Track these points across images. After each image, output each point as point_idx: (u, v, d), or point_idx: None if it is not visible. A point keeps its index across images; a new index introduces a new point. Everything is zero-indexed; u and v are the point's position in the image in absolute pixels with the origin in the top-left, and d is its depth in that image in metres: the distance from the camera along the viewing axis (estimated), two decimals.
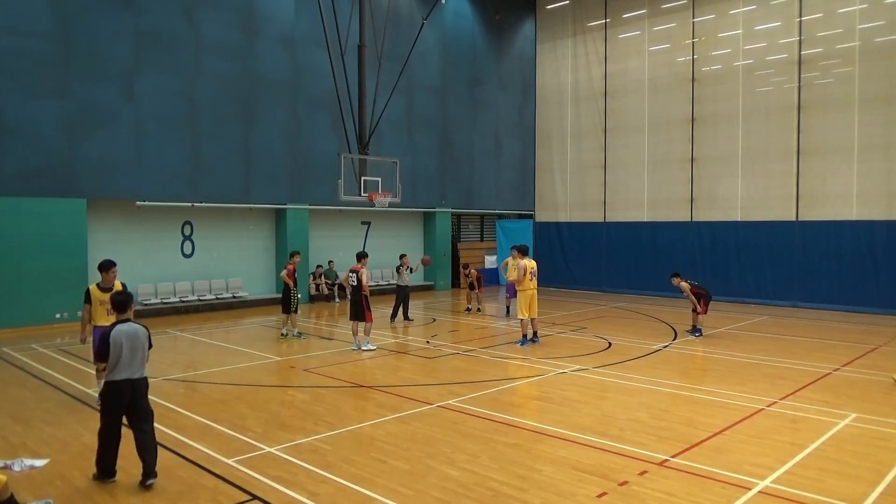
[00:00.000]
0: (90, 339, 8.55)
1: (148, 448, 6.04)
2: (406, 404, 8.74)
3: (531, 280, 13.19)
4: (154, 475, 6.00)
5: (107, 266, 8.65)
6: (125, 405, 6.07)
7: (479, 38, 25.83)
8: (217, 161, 18.22)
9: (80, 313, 9.74)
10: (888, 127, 18.15)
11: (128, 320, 6.33)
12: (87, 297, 8.55)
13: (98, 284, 8.64)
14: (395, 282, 17.21)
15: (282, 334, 14.16)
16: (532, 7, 27.16)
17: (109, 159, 16.24)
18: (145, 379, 6.23)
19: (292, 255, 14.45)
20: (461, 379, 10.30)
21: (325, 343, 13.78)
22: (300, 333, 14.24)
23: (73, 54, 15.58)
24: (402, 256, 16.99)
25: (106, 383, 6.13)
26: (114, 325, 6.22)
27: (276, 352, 12.72)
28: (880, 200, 18.37)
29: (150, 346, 6.38)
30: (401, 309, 16.70)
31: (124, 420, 6.17)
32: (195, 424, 7.90)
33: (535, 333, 13.36)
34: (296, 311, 14.26)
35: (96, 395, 8.33)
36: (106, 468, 6.11)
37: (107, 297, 8.38)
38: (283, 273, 14.07)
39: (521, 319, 13.21)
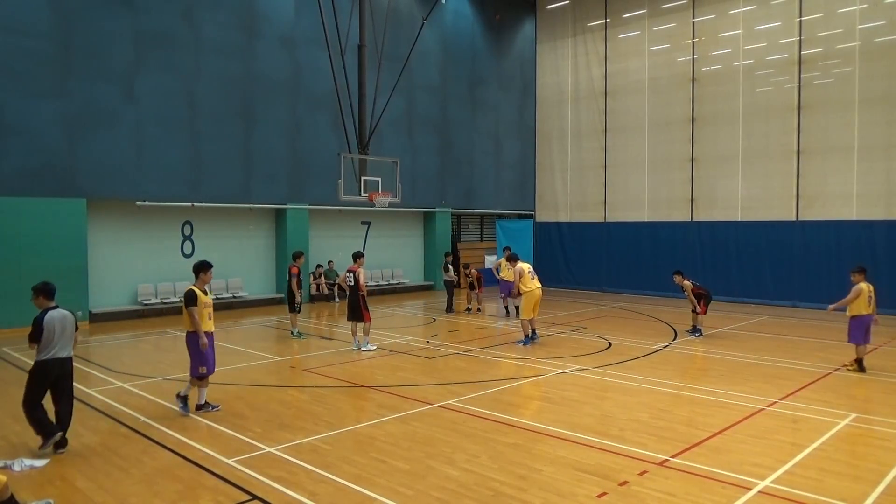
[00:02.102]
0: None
1: (62, 420, 6.94)
2: (406, 404, 8.74)
3: (533, 279, 13.21)
4: (64, 430, 6.92)
5: (206, 267, 8.45)
6: (51, 382, 6.88)
7: (479, 38, 25.83)
8: (217, 161, 18.22)
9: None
10: (888, 127, 18.14)
11: (56, 306, 7.03)
12: (194, 300, 8.08)
13: (196, 286, 8.30)
14: (446, 277, 18.77)
15: (292, 334, 14.25)
16: (532, 7, 27.15)
17: (109, 159, 16.24)
18: (71, 359, 7.03)
19: (296, 257, 14.42)
20: (461, 379, 10.30)
21: (325, 343, 13.78)
22: (300, 333, 14.24)
23: (73, 54, 15.58)
24: (446, 255, 19.01)
25: (36, 362, 6.86)
26: (46, 310, 6.92)
27: (276, 352, 12.72)
28: (880, 200, 18.36)
29: (77, 329, 7.18)
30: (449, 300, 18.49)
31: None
32: (195, 424, 7.90)
33: (533, 331, 13.37)
34: (298, 311, 14.35)
35: (182, 398, 8.41)
36: (46, 431, 6.80)
37: (208, 299, 8.36)
38: (294, 282, 14.13)
39: (523, 320, 13.23)
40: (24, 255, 14.90)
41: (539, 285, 13.28)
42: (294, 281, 14.15)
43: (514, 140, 27.23)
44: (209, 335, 8.27)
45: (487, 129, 26.21)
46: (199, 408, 8.37)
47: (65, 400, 7.02)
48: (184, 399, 8.34)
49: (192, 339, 8.21)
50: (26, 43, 14.92)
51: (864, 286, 10.70)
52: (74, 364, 6.78)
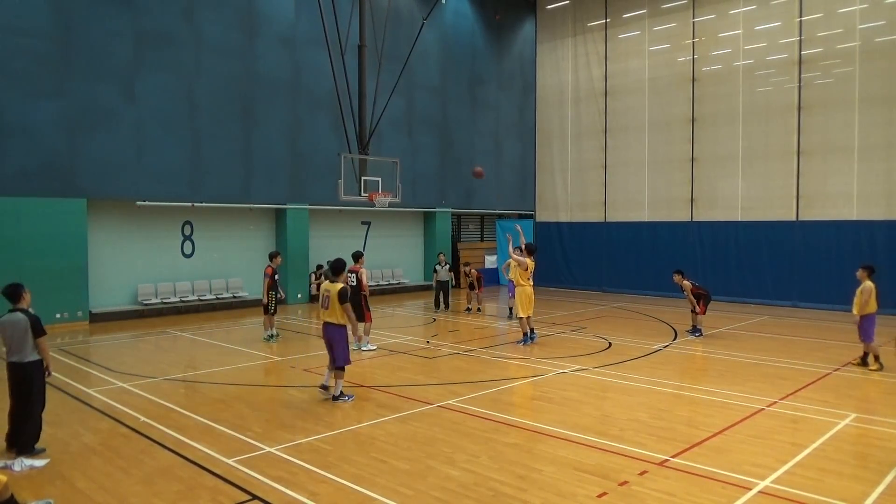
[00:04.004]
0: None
1: (22, 430, 6.73)
2: (406, 404, 8.74)
3: (529, 279, 13.25)
4: (26, 452, 6.65)
5: (346, 265, 9.31)
6: (12, 384, 6.86)
7: (479, 38, 25.83)
8: (217, 161, 18.22)
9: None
10: (888, 127, 18.14)
11: (16, 310, 6.88)
12: (348, 296, 8.86)
13: (342, 283, 9.13)
14: (437, 277, 19.06)
15: (268, 336, 13.82)
16: (532, 7, 27.15)
17: (109, 159, 16.24)
18: (29, 363, 6.79)
19: (273, 257, 13.89)
20: (461, 379, 10.30)
21: None
22: (271, 336, 13.78)
23: (73, 54, 15.58)
24: (439, 254, 19.28)
25: None
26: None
27: (276, 352, 12.72)
28: (880, 200, 18.36)
29: (40, 333, 6.83)
30: (441, 299, 18.87)
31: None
32: (195, 424, 7.89)
33: (532, 330, 13.37)
34: (274, 313, 13.73)
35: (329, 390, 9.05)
36: (6, 438, 6.82)
37: None
38: (268, 282, 13.54)
39: (521, 318, 13.22)
40: (24, 255, 14.89)
41: (531, 285, 13.36)
42: (268, 282, 13.52)
43: (514, 140, 27.22)
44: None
45: (487, 129, 26.21)
46: (335, 398, 8.95)
47: (21, 408, 6.78)
48: (326, 388, 9.04)
49: (342, 331, 8.92)
50: (26, 43, 14.92)
51: (872, 283, 10.95)
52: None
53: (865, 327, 10.84)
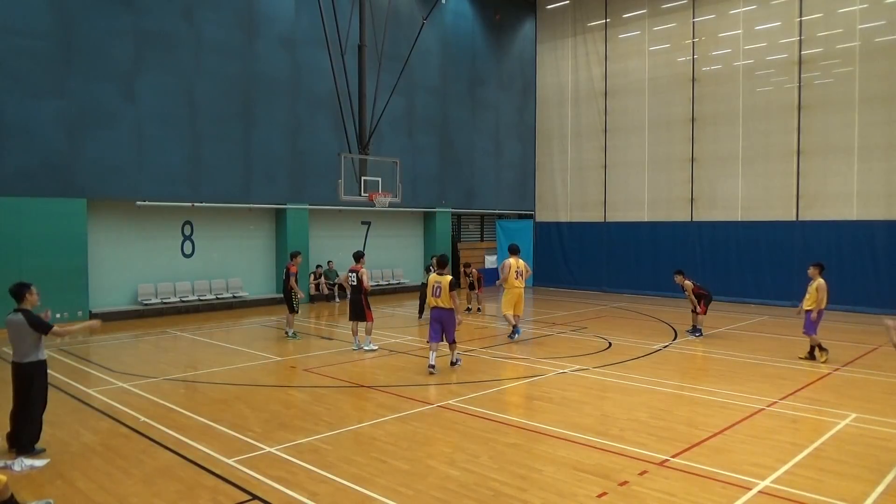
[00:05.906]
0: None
1: (22, 430, 6.74)
2: (406, 404, 8.74)
3: (517, 279, 13.37)
4: (26, 452, 6.64)
5: (449, 261, 10.93)
6: (14, 384, 6.82)
7: (479, 38, 25.83)
8: (217, 161, 18.22)
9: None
10: (888, 127, 18.14)
11: (19, 310, 6.83)
12: (458, 285, 10.69)
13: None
14: (423, 280, 18.54)
15: (286, 334, 14.15)
16: (532, 7, 27.15)
17: (109, 159, 16.25)
18: (28, 364, 6.77)
19: (294, 256, 14.21)
20: (461, 379, 10.31)
21: (325, 343, 13.77)
22: (294, 333, 14.13)
23: (73, 54, 15.59)
24: (432, 257, 18.39)
25: None
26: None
27: (276, 352, 12.72)
28: (880, 200, 18.36)
29: (43, 331, 6.77)
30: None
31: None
32: (195, 424, 7.89)
33: (515, 328, 13.68)
34: (297, 311, 14.22)
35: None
36: (7, 437, 6.79)
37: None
38: (293, 280, 13.92)
39: (506, 315, 13.67)
40: (24, 255, 14.90)
41: (521, 285, 13.56)
42: (293, 280, 13.91)
43: (514, 140, 27.22)
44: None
45: (487, 129, 26.21)
46: (453, 364, 10.94)
47: (21, 409, 6.77)
48: (456, 362, 11.02)
49: (452, 313, 10.66)
50: (26, 43, 14.92)
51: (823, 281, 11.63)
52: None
53: (812, 321, 11.44)
